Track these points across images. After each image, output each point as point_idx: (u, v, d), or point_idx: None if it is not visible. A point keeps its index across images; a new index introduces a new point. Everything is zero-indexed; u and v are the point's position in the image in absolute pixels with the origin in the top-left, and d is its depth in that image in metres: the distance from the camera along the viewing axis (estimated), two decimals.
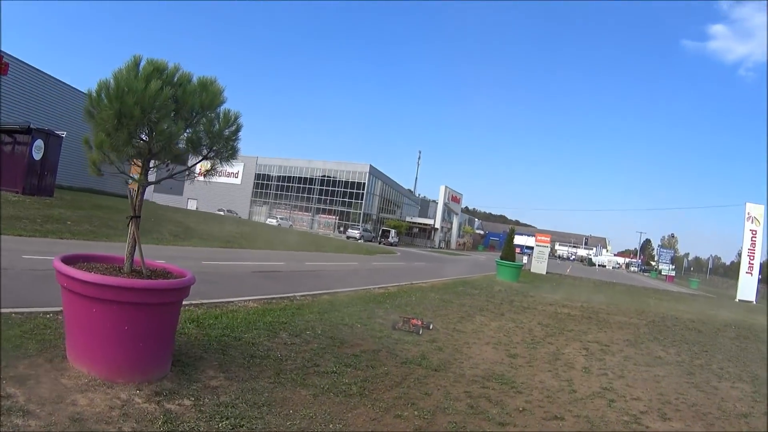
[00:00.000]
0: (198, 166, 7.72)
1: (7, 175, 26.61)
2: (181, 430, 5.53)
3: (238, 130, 7.21)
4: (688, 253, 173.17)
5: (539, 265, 47.55)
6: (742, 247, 53.85)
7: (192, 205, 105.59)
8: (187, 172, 7.58)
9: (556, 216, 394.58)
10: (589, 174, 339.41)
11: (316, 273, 23.19)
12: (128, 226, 6.99)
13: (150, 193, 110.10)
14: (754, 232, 53.30)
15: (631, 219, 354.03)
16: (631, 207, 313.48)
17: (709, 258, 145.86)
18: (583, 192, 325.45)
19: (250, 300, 13.53)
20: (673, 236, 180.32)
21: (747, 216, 53.63)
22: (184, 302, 10.53)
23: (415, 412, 7.22)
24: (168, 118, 6.45)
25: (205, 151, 7.20)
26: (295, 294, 15.59)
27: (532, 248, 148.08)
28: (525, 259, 53.39)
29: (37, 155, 27.69)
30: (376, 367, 9.17)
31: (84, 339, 6.38)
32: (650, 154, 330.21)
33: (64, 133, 30.94)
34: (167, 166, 7.22)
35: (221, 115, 7.03)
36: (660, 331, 18.86)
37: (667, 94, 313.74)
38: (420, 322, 13.06)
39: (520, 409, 8.05)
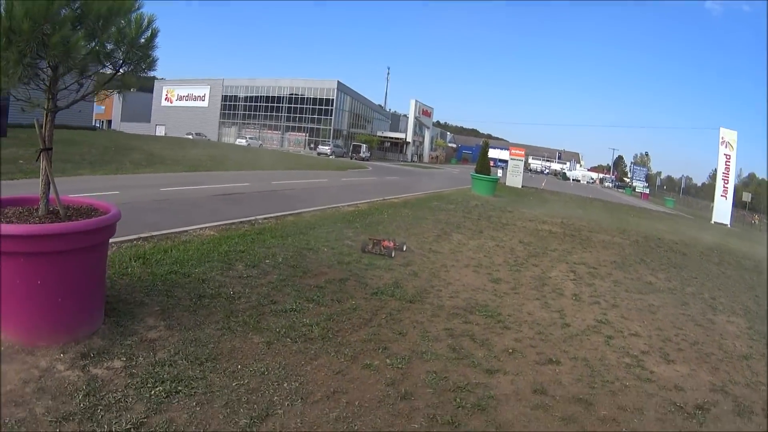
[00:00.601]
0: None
1: None
2: (105, 403, 4.48)
3: (153, 36, 5.80)
4: (660, 172, 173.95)
5: (514, 178, 46.57)
6: (716, 170, 53.65)
7: (160, 131, 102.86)
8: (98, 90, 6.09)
9: (528, 130, 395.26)
10: (562, 89, 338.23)
11: (283, 193, 21.89)
12: (38, 160, 5.64)
13: (117, 123, 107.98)
14: (728, 157, 52.60)
15: (605, 135, 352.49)
16: (604, 123, 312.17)
17: (681, 178, 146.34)
18: (556, 107, 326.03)
19: (206, 227, 12.24)
20: (646, 155, 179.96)
21: (721, 140, 52.84)
22: (131, 237, 9.15)
23: (387, 360, 6.15)
24: (65, 28, 5.05)
25: (120, 62, 5.80)
26: (257, 217, 14.32)
27: (505, 162, 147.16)
28: (499, 172, 52.37)
29: None
30: (342, 300, 8.08)
31: None
32: (626, 73, 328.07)
33: None
34: (80, 87, 5.85)
35: (132, 21, 5.62)
36: (645, 252, 18.14)
37: (648, 14, 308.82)
38: (392, 244, 11.98)
39: (510, 350, 7.03)
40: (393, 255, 11.56)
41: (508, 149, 76.81)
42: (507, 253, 14.13)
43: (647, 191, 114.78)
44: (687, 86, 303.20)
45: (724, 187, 52.41)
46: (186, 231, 11.58)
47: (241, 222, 13.38)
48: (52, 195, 5.70)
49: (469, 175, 35.82)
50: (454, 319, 7.98)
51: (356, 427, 4.72)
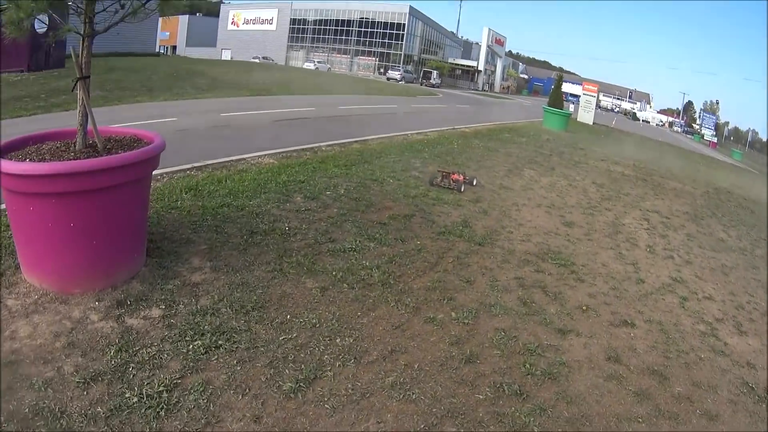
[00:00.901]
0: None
1: (8, 56, 24.02)
2: (138, 360, 4.10)
3: None
4: (728, 122, 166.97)
5: (586, 115, 44.58)
6: None
7: (226, 56, 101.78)
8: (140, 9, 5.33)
9: (601, 66, 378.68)
10: (637, 27, 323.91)
11: (349, 119, 21.13)
12: (74, 90, 5.05)
13: (182, 49, 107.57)
14: None
15: (676, 78, 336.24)
16: (677, 66, 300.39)
17: (748, 130, 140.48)
18: (630, 44, 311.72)
19: (265, 155, 11.72)
20: (716, 102, 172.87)
21: None
22: (184, 167, 8.71)
23: (453, 314, 5.60)
24: None
25: None
26: (320, 144, 13.83)
27: (577, 96, 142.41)
28: (571, 107, 50.67)
29: (41, 28, 24.83)
30: (406, 240, 7.53)
31: (30, 244, 4.79)
32: (702, 17, 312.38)
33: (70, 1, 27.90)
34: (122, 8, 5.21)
35: None
36: (716, 206, 16.93)
37: None
38: (462, 177, 11.34)
39: (583, 307, 6.45)
40: (462, 189, 10.98)
41: (580, 84, 74.05)
42: (580, 193, 13.34)
43: (714, 140, 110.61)
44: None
45: None
46: (243, 159, 11.11)
47: (302, 149, 12.87)
48: (90, 127, 5.17)
49: (541, 108, 34.52)
50: (526, 267, 7.40)
51: (414, 396, 4.21)
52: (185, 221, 6.87)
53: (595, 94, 46.86)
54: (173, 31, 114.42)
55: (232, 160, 10.84)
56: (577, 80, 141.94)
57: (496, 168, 14.40)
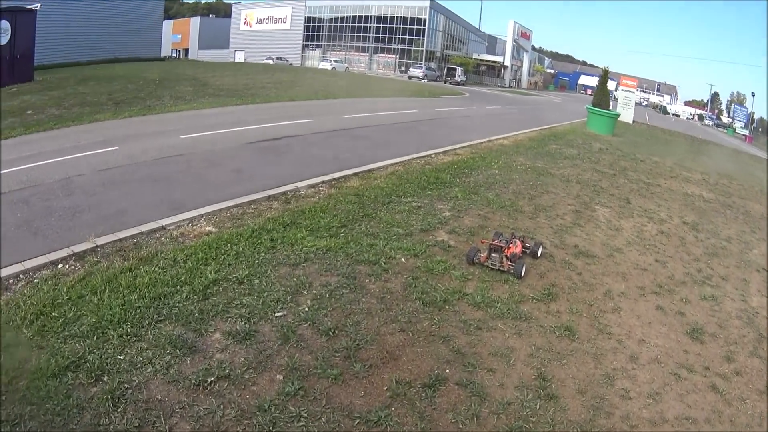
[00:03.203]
0: None
1: None
2: None
3: None
4: (754, 112, 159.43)
5: (625, 113, 39.59)
6: None
7: (239, 57, 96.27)
8: None
9: (624, 59, 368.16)
10: (661, 15, 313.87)
11: (353, 133, 15.70)
12: None
13: (194, 51, 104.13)
14: None
15: (701, 69, 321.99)
16: (702, 56, 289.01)
17: None
18: (653, 35, 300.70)
19: (202, 216, 7.42)
20: (748, 95, 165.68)
21: None
22: (58, 255, 5.95)
23: None
24: None
25: None
26: (301, 184, 9.29)
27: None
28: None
29: (4, 39, 22.20)
30: None
31: None
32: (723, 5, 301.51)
33: (37, 6, 24.72)
34: None
35: None
36: None
37: None
38: (519, 246, 7.02)
39: None
40: (523, 273, 6.59)
41: (612, 78, 68.59)
42: (678, 247, 9.31)
43: (746, 132, 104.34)
44: None
45: None
46: (162, 229, 6.82)
47: (269, 197, 8.52)
48: None
49: (576, 106, 29.91)
50: None
51: None
52: None
53: (635, 90, 41.84)
54: (185, 33, 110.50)
55: (141, 233, 6.58)
56: (599, 73, 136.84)
57: (558, 207, 10.04)
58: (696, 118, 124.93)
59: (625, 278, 7.21)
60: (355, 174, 10.25)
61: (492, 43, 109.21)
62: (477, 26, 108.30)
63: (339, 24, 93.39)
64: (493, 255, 6.70)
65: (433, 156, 13.04)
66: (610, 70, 30.60)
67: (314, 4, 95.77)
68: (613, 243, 8.54)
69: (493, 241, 6.92)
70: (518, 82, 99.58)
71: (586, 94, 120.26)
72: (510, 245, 6.87)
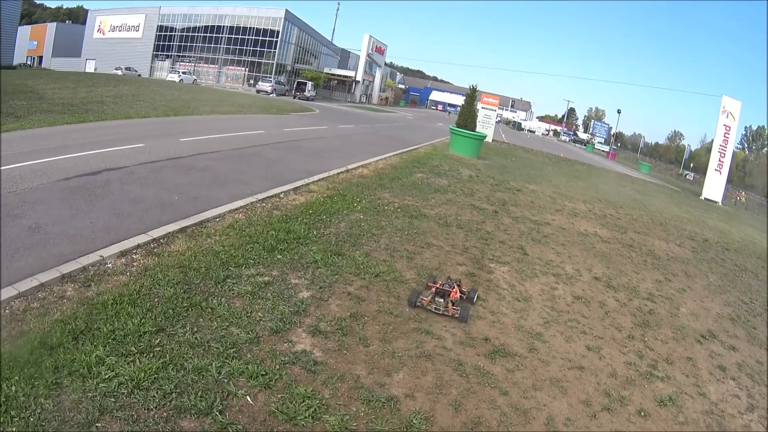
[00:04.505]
0: None
1: None
2: None
3: None
4: (612, 127, 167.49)
5: (485, 131, 39.19)
6: (709, 141, 48.09)
7: (90, 67, 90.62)
8: None
9: (476, 74, 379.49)
10: (512, 33, 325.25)
11: (189, 162, 13.06)
12: None
13: (48, 59, 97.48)
14: (728, 128, 46.12)
15: (556, 85, 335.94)
16: (557, 72, 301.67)
17: (634, 135, 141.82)
18: (508, 52, 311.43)
19: None
20: (609, 111, 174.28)
21: (722, 110, 46.18)
22: None
23: None
24: None
25: None
26: (104, 254, 6.55)
27: (454, 107, 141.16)
28: (447, 116, 45.21)
29: None
30: None
31: None
32: (578, 21, 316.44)
33: None
34: None
35: None
36: (727, 277, 12.91)
37: None
38: (457, 291, 6.96)
39: None
40: (468, 318, 6.62)
41: (460, 94, 68.31)
42: (603, 320, 7.81)
43: (606, 148, 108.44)
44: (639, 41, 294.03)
45: (719, 161, 46.14)
46: None
47: (61, 277, 5.82)
48: None
49: (430, 123, 28.84)
50: None
51: None
52: None
53: (496, 108, 41.52)
54: (41, 40, 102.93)
55: None
56: (453, 89, 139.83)
57: (447, 267, 8.30)
58: (551, 134, 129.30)
59: (563, 390, 5.42)
60: (183, 230, 7.74)
61: (345, 57, 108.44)
62: (330, 39, 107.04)
63: (191, 34, 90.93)
64: (437, 299, 6.66)
65: (282, 195, 10.81)
66: (457, 85, 29.57)
67: (168, 11, 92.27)
68: (528, 324, 6.83)
69: (436, 284, 6.98)
70: (369, 98, 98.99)
71: (437, 110, 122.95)
72: (453, 290, 6.85)
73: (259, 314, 5.55)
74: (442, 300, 6.64)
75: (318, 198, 10.93)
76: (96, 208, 8.22)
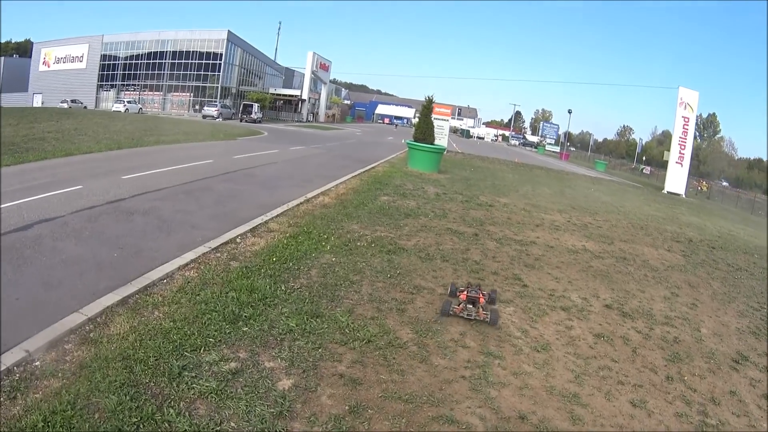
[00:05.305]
0: None
1: None
2: None
3: None
4: (559, 126, 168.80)
5: (440, 143, 38.48)
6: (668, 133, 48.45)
7: (38, 101, 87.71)
8: None
9: (420, 84, 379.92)
10: (454, 40, 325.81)
11: (131, 204, 11.46)
12: None
13: None
14: (686, 120, 46.29)
15: (500, 89, 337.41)
16: (501, 77, 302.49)
17: (588, 135, 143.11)
18: (448, 60, 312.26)
19: None
20: (557, 113, 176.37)
21: (680, 101, 46.34)
22: None
23: None
24: None
25: None
26: (29, 348, 5.05)
27: (401, 119, 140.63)
28: (395, 129, 44.39)
29: None
30: None
31: None
32: (517, 25, 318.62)
33: None
34: None
35: None
36: (727, 281, 12.38)
37: None
38: (481, 296, 7.30)
39: None
40: (498, 322, 6.99)
41: (409, 106, 67.62)
42: (634, 362, 6.80)
43: (557, 149, 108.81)
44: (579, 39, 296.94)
45: (680, 153, 46.36)
46: None
47: None
48: None
49: (381, 138, 27.80)
50: None
51: None
52: None
53: (448, 118, 40.66)
54: None
55: None
56: (398, 101, 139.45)
57: (447, 319, 7.05)
58: (500, 139, 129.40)
59: None
60: (124, 302, 6.29)
61: (289, 76, 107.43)
62: (274, 58, 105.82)
63: (135, 61, 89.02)
64: (468, 306, 7.07)
65: (239, 240, 9.43)
66: (400, 97, 28.49)
67: (112, 39, 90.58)
68: (559, 384, 5.71)
69: (463, 291, 7.39)
70: (316, 116, 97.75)
71: (384, 123, 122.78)
72: (480, 295, 7.30)
73: (232, 424, 4.22)
74: (472, 306, 7.07)
75: (280, 239, 9.57)
76: (24, 277, 6.79)
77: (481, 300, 7.20)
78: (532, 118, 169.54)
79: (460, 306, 7.04)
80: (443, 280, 8.41)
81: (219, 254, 8.51)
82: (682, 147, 45.77)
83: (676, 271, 12.23)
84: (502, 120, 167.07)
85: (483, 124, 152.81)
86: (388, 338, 6.06)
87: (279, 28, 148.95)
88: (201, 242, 8.98)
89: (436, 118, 38.42)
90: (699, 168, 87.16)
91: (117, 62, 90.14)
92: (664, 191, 44.68)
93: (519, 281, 9.08)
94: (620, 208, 23.17)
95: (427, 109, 26.41)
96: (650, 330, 7.83)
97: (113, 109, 68.59)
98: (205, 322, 5.88)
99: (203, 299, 6.50)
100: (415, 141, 25.22)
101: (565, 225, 15.31)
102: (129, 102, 74.39)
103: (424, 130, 25.34)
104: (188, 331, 5.63)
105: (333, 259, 8.67)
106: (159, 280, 7.14)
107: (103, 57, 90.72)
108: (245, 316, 6.14)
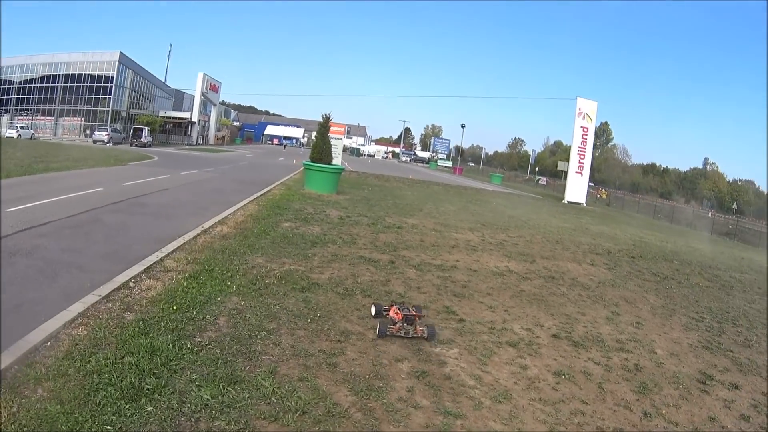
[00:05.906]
0: None
1: None
2: None
3: None
4: (449, 140, 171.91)
5: (335, 161, 38.10)
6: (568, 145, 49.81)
7: None
8: None
9: (307, 104, 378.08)
10: (340, 57, 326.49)
11: (5, 246, 9.39)
12: None
13: None
14: (585, 130, 47.80)
15: (389, 107, 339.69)
16: (389, 93, 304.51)
17: (479, 149, 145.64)
18: (334, 77, 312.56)
19: None
20: (448, 128, 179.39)
21: (578, 112, 47.68)
22: None
23: None
24: None
25: None
26: None
27: (290, 139, 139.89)
28: (284, 149, 43.74)
29: None
30: None
31: None
32: (402, 40, 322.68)
33: None
34: None
35: None
36: (659, 292, 12.73)
37: None
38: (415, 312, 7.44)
39: None
40: (435, 337, 7.09)
41: (297, 126, 66.76)
42: (606, 400, 6.30)
43: (449, 164, 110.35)
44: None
45: (579, 162, 47.78)
46: None
47: None
48: None
49: (271, 160, 26.71)
50: None
51: None
52: None
53: (343, 136, 40.21)
54: None
55: None
56: (287, 122, 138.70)
57: (382, 358, 6.45)
58: (390, 156, 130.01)
59: None
60: None
61: (179, 98, 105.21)
62: (164, 80, 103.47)
63: (28, 85, 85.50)
64: (405, 325, 7.10)
65: (132, 284, 7.97)
66: (288, 117, 27.61)
67: (6, 63, 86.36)
68: None
69: (402, 311, 7.37)
70: (205, 138, 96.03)
71: (273, 144, 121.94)
72: (416, 310, 7.46)
73: None
74: (410, 325, 7.12)
75: (179, 281, 8.24)
76: None
77: (417, 317, 7.32)
78: (422, 134, 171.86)
79: (397, 326, 7.10)
80: (370, 321, 7.44)
81: (111, 304, 7.08)
82: (582, 157, 47.09)
83: (608, 287, 12.17)
84: (391, 137, 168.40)
85: (372, 141, 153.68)
86: (325, 405, 4.94)
87: (170, 50, 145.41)
88: (90, 289, 7.52)
89: (333, 137, 37.92)
90: (594, 176, 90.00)
91: (11, 86, 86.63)
92: (564, 201, 45.65)
93: (453, 315, 8.33)
94: (528, 221, 23.11)
95: (324, 127, 25.45)
96: (608, 360, 7.36)
97: (5, 134, 65.62)
98: (99, 403, 4.56)
99: (95, 368, 5.13)
100: (312, 161, 24.23)
101: (480, 244, 14.83)
102: (22, 127, 71.68)
103: (321, 150, 24.31)
104: (80, 418, 4.31)
105: (242, 303, 7.50)
106: (41, 344, 5.67)
107: None
108: (148, 389, 4.85)
